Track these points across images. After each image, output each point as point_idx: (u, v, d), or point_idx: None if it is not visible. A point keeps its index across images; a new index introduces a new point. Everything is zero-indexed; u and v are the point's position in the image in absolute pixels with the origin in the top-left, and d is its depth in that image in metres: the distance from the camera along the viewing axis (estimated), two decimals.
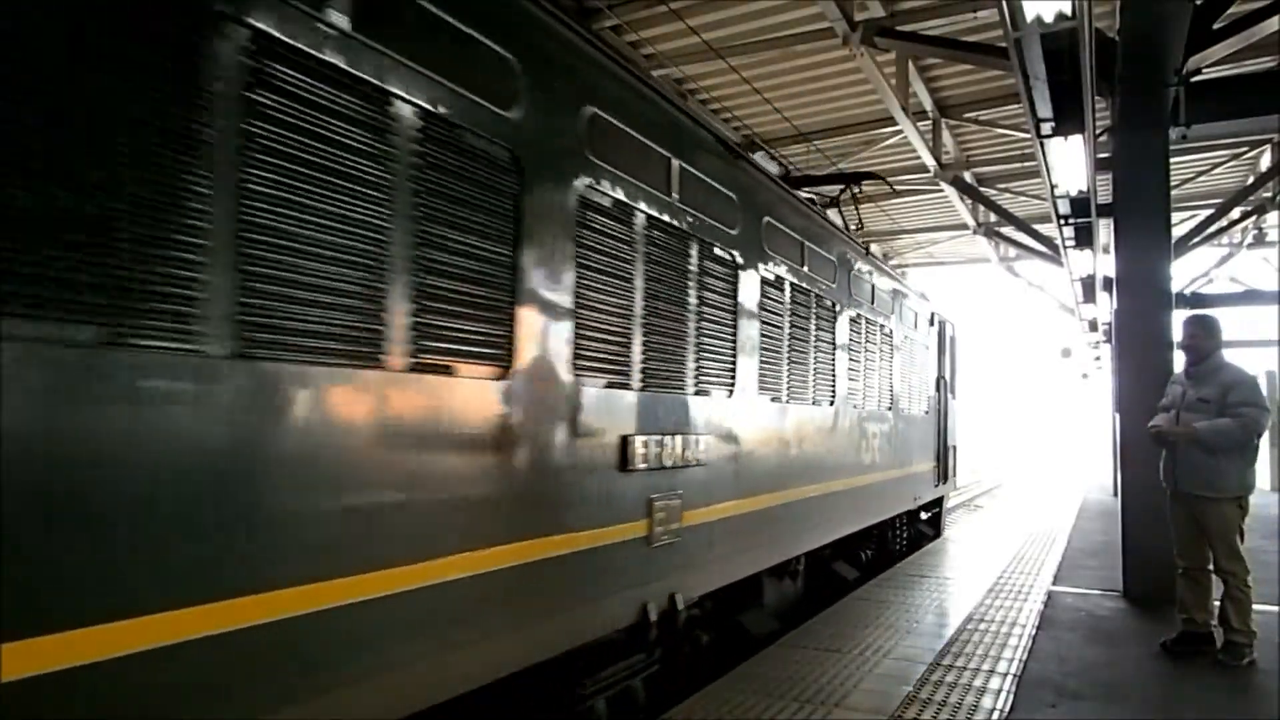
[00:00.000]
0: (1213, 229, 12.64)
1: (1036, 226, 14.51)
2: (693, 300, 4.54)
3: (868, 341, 7.71)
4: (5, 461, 1.72)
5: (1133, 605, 6.52)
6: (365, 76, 2.55)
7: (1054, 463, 34.45)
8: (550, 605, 3.45)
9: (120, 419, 1.93)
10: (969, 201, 15.21)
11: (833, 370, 6.76)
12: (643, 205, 4.04)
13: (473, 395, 2.97)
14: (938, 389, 10.85)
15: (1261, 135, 12.32)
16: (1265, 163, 13.39)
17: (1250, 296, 11.58)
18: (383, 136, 2.62)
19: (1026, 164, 12.71)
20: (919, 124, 10.94)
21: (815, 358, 6.39)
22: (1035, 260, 16.62)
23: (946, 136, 12.32)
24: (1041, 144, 6.96)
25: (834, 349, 6.79)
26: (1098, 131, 7.63)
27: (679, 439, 4.36)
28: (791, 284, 5.91)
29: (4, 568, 1.73)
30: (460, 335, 2.91)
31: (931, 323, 10.54)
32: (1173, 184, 7.23)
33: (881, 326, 8.18)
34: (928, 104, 11.39)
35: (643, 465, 4.02)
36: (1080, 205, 9.14)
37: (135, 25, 1.97)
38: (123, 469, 1.93)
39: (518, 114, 3.19)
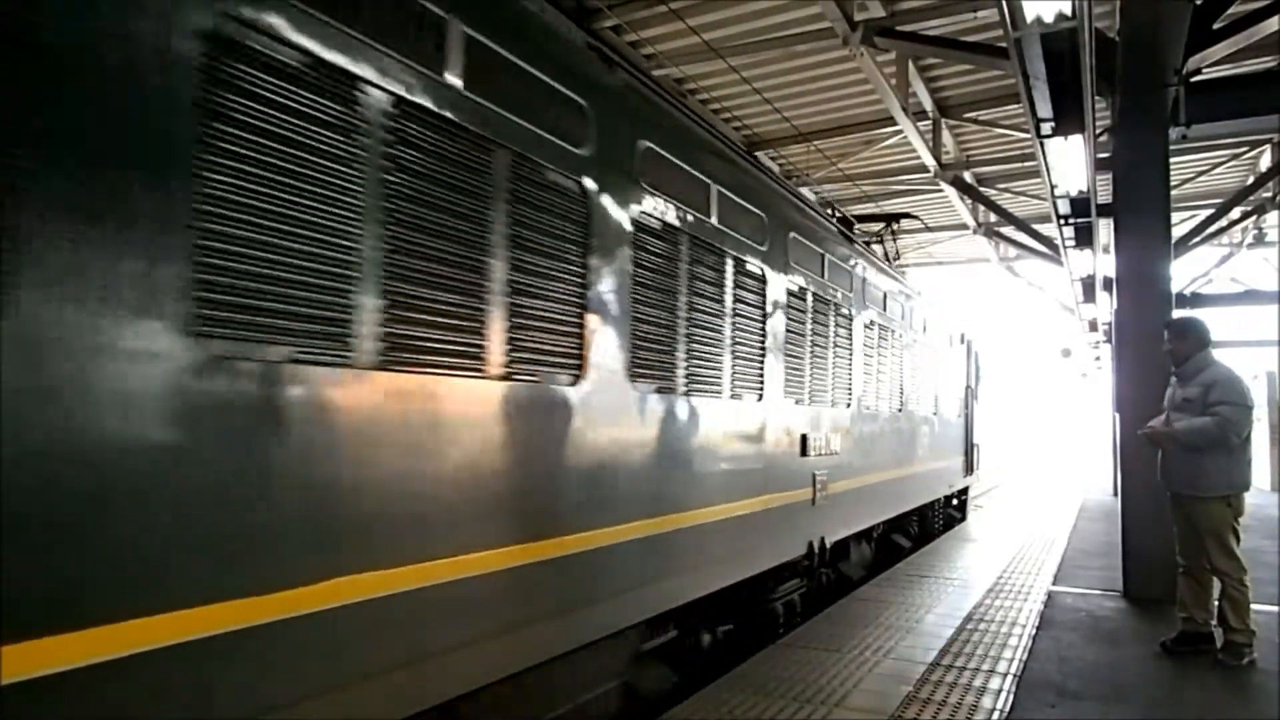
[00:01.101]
0: (1213, 229, 12.61)
1: (1036, 226, 14.50)
2: (834, 340, 6.76)
3: (921, 360, 9.83)
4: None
5: (1133, 605, 6.52)
6: (725, 249, 4.88)
7: (1054, 463, 34.43)
8: (776, 534, 5.63)
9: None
10: (969, 201, 15.20)
11: (900, 383, 8.83)
12: (811, 289, 6.29)
13: (753, 410, 5.31)
14: (965, 395, 12.95)
15: (1261, 135, 12.31)
16: (1265, 163, 13.38)
17: (1250, 296, 11.54)
18: (721, 274, 4.87)
19: (1026, 164, 12.71)
20: (919, 124, 10.93)
21: (890, 375, 8.42)
22: (1035, 260, 16.61)
23: (946, 136, 12.31)
24: (1041, 144, 6.95)
25: (901, 367, 8.86)
26: (1098, 131, 7.62)
27: (828, 436, 6.53)
28: (879, 324, 8.04)
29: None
30: (748, 377, 5.20)
31: (961, 341, 12.62)
32: (1173, 184, 7.23)
33: (929, 348, 10.27)
34: (928, 104, 11.38)
35: (812, 453, 6.19)
36: (1080, 205, 9.13)
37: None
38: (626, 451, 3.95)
39: (766, 246, 5.47)
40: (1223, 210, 12.46)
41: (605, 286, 3.73)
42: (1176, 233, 9.77)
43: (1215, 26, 7.03)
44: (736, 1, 8.88)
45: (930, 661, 4.88)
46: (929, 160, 11.81)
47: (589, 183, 3.61)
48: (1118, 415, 7.88)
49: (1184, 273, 17.13)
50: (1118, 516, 7.41)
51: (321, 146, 2.40)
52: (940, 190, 13.93)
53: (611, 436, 3.80)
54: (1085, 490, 18.51)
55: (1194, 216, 13.90)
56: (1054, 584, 7.39)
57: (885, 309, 8.31)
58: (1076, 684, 4.50)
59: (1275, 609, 6.04)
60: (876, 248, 10.62)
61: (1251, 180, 13.40)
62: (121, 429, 1.93)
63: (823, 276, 6.53)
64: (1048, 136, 6.61)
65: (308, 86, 2.36)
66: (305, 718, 2.34)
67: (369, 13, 2.55)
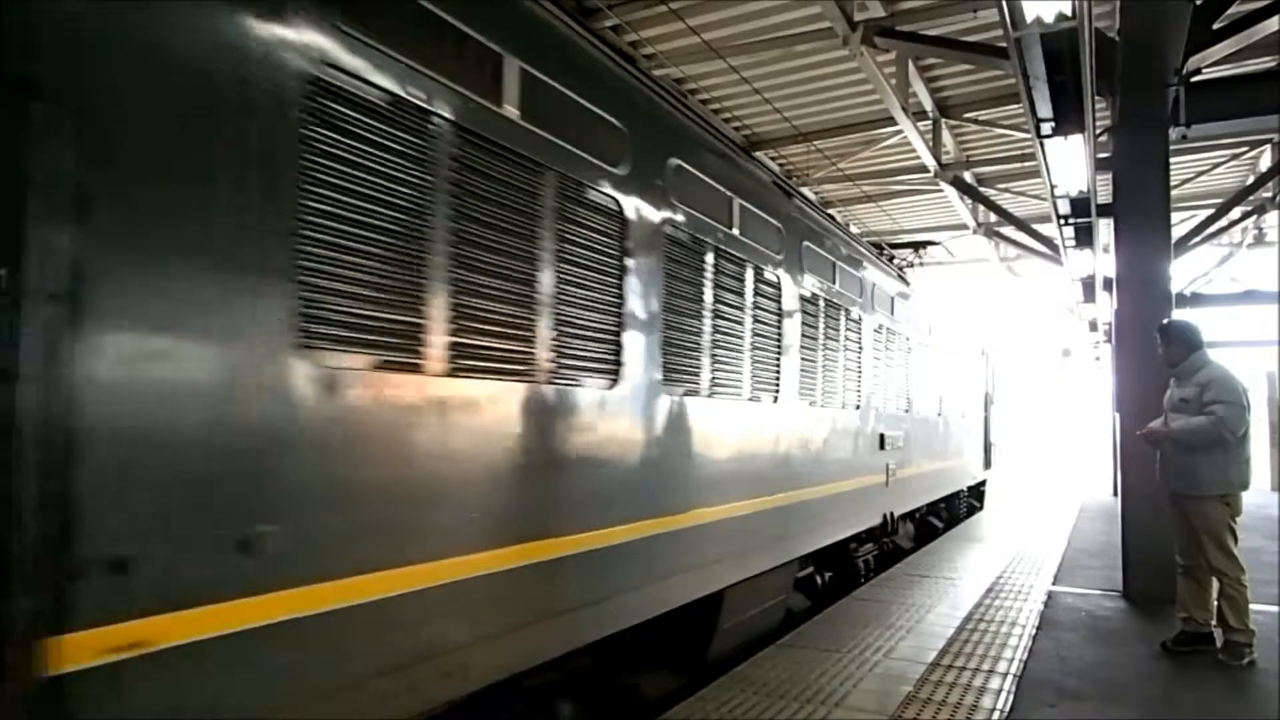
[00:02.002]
0: (1213, 229, 12.60)
1: (1036, 226, 14.49)
2: (905, 362, 8.98)
3: (953, 372, 11.91)
4: None
5: (1133, 605, 6.53)
6: (841, 305, 6.85)
7: (1054, 463, 34.41)
8: (855, 509, 7.30)
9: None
10: (969, 201, 15.20)
11: (940, 392, 10.87)
12: (886, 324, 8.27)
13: (854, 415, 7.21)
14: (984, 400, 15.16)
15: (1261, 135, 12.30)
16: (1265, 163, 13.37)
17: (1250, 296, 11.54)
18: (838, 322, 6.84)
19: (1026, 164, 12.70)
20: (919, 124, 10.92)
21: (932, 385, 10.42)
22: (1035, 260, 16.59)
23: (946, 136, 12.30)
24: (1041, 144, 6.95)
25: (940, 378, 10.88)
26: (1098, 131, 7.62)
27: (894, 434, 8.39)
28: (924, 345, 10.04)
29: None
30: (853, 391, 7.10)
31: (982, 354, 14.82)
32: (1173, 184, 7.22)
33: (959, 361, 12.41)
34: (928, 104, 11.38)
35: (887, 447, 8.08)
36: (1080, 205, 9.13)
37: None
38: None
39: (862, 299, 7.46)
40: (1223, 210, 12.44)
41: (790, 342, 5.86)
42: (1176, 233, 9.76)
43: (1215, 26, 7.03)
44: (736, 1, 8.88)
45: (930, 661, 4.88)
46: (929, 160, 11.80)
47: (782, 275, 5.70)
48: (1118, 415, 7.88)
49: (1184, 273, 17.10)
50: (1118, 516, 7.41)
51: (728, 299, 4.90)
52: (940, 190, 13.92)
53: (795, 433, 5.87)
54: (1085, 490, 18.50)
55: (1194, 216, 13.88)
56: (1054, 584, 7.39)
57: (929, 333, 10.43)
58: (1076, 684, 4.51)
59: (1275, 609, 6.04)
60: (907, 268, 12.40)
61: (1251, 180, 13.39)
62: (653, 431, 4.10)
63: (892, 315, 8.60)
64: (1048, 136, 6.61)
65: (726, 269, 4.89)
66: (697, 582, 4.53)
67: (714, 210, 4.77)
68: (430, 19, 2.74)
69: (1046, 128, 6.43)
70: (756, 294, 5.24)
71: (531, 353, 3.22)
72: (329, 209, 2.36)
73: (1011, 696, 4.27)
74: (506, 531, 3.10)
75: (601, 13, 8.87)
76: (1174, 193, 7.54)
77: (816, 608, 6.48)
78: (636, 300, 3.88)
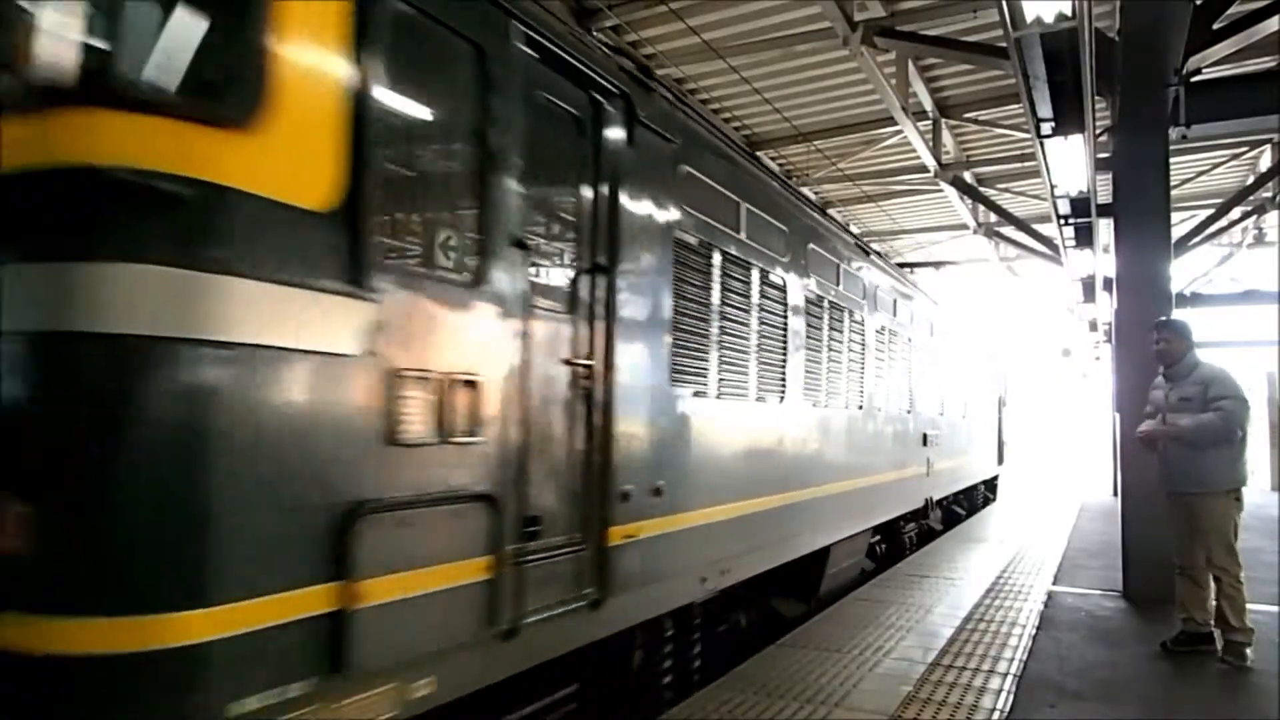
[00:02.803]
0: (1213, 229, 12.59)
1: (1036, 226, 14.49)
2: (939, 372, 10.60)
3: (974, 378, 13.72)
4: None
5: (1133, 605, 6.53)
6: (899, 333, 8.95)
7: (1054, 462, 34.44)
8: (906, 493, 9.10)
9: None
10: (969, 201, 15.19)
11: (964, 395, 12.66)
12: (925, 342, 9.99)
13: (908, 418, 9.13)
14: (998, 403, 16.91)
15: (1261, 135, 12.29)
16: (1265, 163, 13.37)
17: (1250, 296, 11.54)
18: (893, 346, 8.70)
19: (1026, 164, 12.69)
20: (919, 124, 10.92)
21: (959, 390, 12.20)
22: (1035, 260, 16.58)
23: (946, 136, 12.30)
24: (1041, 144, 6.95)
25: (965, 385, 12.69)
26: (1098, 131, 7.62)
27: (932, 433, 10.11)
28: (953, 357, 11.73)
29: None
30: (905, 399, 9.13)
31: (995, 359, 16.48)
32: (1173, 184, 7.22)
33: (978, 368, 14.22)
34: (928, 104, 11.38)
35: (928, 444, 9.87)
36: (1080, 205, 9.13)
37: None
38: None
39: (910, 322, 9.49)
40: (1223, 210, 12.44)
41: (869, 362, 7.67)
42: (1176, 233, 9.75)
43: (1215, 26, 7.03)
44: (736, 1, 8.87)
45: (930, 661, 4.88)
46: (929, 160, 11.80)
47: (864, 314, 7.51)
48: (1118, 415, 7.89)
49: (1184, 273, 17.07)
50: (1118, 516, 7.41)
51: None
52: (940, 190, 13.92)
53: (871, 432, 7.64)
54: (1085, 490, 18.50)
55: (1194, 216, 13.87)
56: (1054, 584, 7.39)
57: (955, 344, 12.03)
58: (1076, 684, 4.51)
59: (1275, 609, 6.04)
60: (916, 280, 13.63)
61: (1251, 180, 13.39)
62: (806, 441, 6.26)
63: (931, 334, 10.42)
64: (1048, 136, 6.61)
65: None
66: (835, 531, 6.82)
67: (829, 275, 6.71)
68: (715, 190, 4.84)
69: (1046, 128, 6.43)
70: (849, 330, 7.13)
71: (747, 380, 5.20)
72: (678, 307, 4.32)
73: (1011, 696, 4.28)
74: (747, 489, 5.12)
75: (602, 13, 8.87)
76: (1174, 193, 7.54)
77: (878, 569, 8.23)
78: (792, 341, 5.84)
